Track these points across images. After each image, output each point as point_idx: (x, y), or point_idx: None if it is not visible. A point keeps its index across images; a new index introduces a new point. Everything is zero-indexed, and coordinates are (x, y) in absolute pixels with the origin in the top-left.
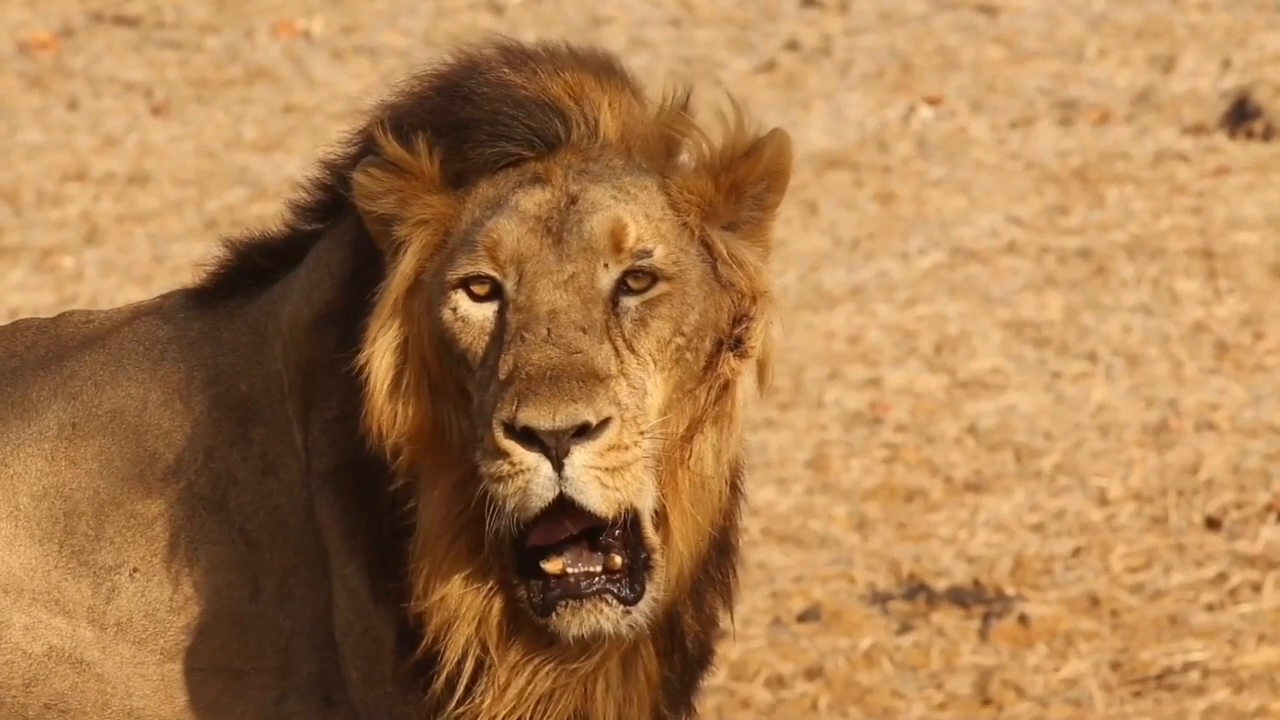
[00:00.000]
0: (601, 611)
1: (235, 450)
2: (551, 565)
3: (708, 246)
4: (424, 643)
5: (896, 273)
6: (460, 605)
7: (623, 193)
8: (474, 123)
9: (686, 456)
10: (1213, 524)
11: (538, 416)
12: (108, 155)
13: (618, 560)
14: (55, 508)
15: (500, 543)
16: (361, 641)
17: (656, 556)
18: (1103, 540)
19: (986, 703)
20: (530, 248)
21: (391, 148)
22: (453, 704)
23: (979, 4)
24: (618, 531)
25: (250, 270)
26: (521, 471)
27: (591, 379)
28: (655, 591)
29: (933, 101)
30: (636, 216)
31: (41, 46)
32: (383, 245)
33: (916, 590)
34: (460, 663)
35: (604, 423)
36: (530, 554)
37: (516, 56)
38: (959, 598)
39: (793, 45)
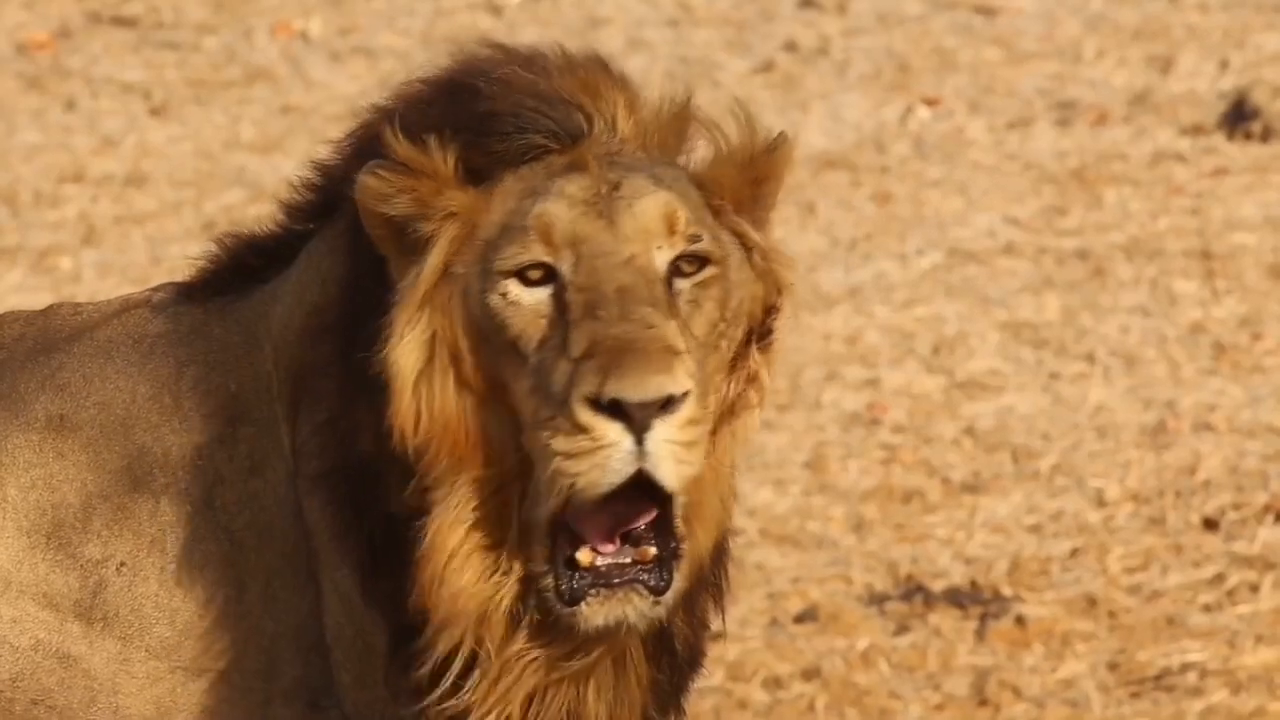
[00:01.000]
0: (631, 601)
1: (222, 448)
2: (584, 555)
3: (740, 236)
4: (423, 638)
5: (894, 273)
6: (467, 600)
7: (660, 181)
8: (496, 116)
9: (711, 448)
10: (1210, 525)
11: (628, 388)
12: (105, 156)
13: (650, 551)
14: (43, 500)
15: (533, 530)
16: (353, 645)
17: (685, 546)
18: (1100, 541)
19: (983, 704)
20: (584, 230)
21: (403, 148)
22: (436, 694)
23: (977, 5)
24: (647, 520)
25: (242, 268)
26: (601, 447)
27: (670, 353)
28: (680, 582)
29: (930, 102)
30: (683, 201)
31: (39, 47)
32: (385, 248)
33: (914, 591)
34: (450, 658)
35: (684, 396)
36: (562, 544)
37: (523, 56)
38: (956, 599)
39: (790, 46)
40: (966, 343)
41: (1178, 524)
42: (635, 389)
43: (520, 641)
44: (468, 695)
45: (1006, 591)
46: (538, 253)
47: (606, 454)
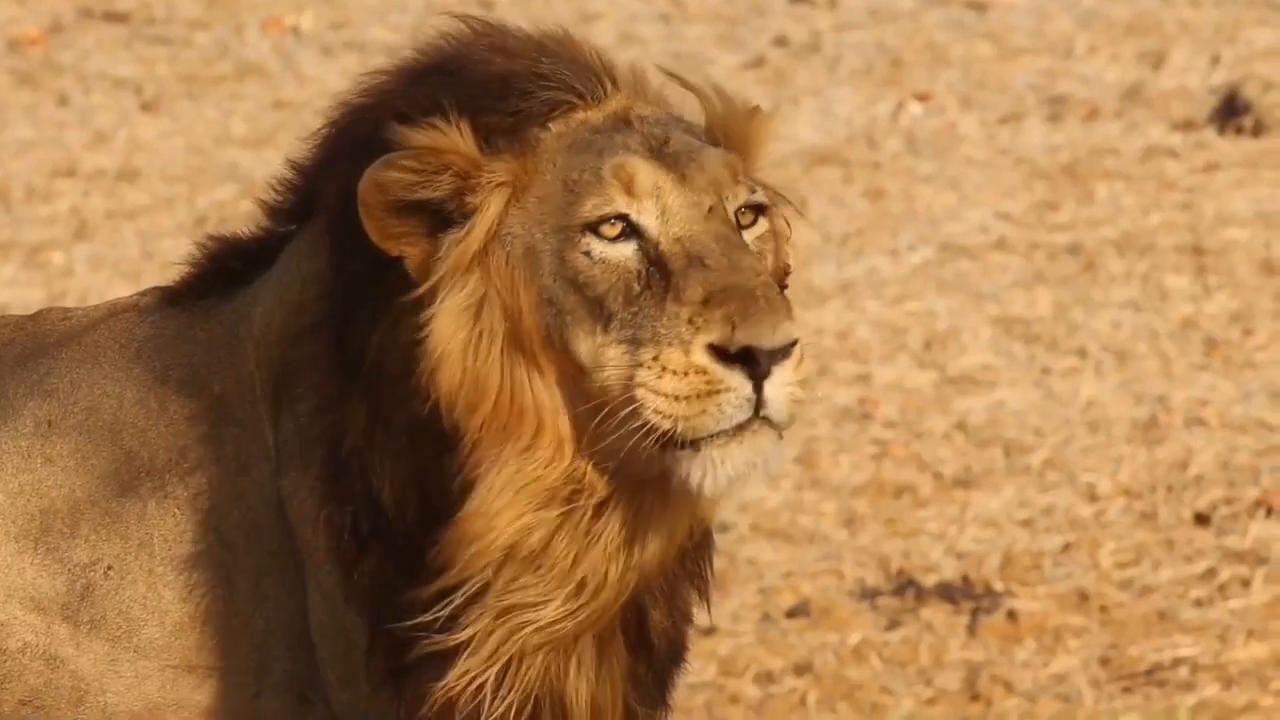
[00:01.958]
0: (756, 443)
1: (209, 450)
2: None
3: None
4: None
5: (886, 269)
6: (501, 532)
7: (698, 134)
8: (514, 75)
9: None
10: (1202, 520)
11: (762, 336)
12: (97, 151)
13: None
14: (31, 504)
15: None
16: (336, 643)
17: None
18: (1092, 536)
19: (975, 698)
20: (664, 181)
21: (419, 134)
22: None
23: (968, 0)
24: None
25: (224, 271)
26: (718, 391)
27: (784, 300)
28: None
29: (922, 98)
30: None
31: (31, 43)
32: (383, 242)
33: (905, 586)
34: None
35: (796, 341)
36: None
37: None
38: (948, 593)
39: (782, 41)
40: (958, 338)
41: (1169, 519)
42: (767, 336)
43: (525, 587)
44: (464, 631)
45: (998, 586)
46: (621, 204)
47: (724, 398)
